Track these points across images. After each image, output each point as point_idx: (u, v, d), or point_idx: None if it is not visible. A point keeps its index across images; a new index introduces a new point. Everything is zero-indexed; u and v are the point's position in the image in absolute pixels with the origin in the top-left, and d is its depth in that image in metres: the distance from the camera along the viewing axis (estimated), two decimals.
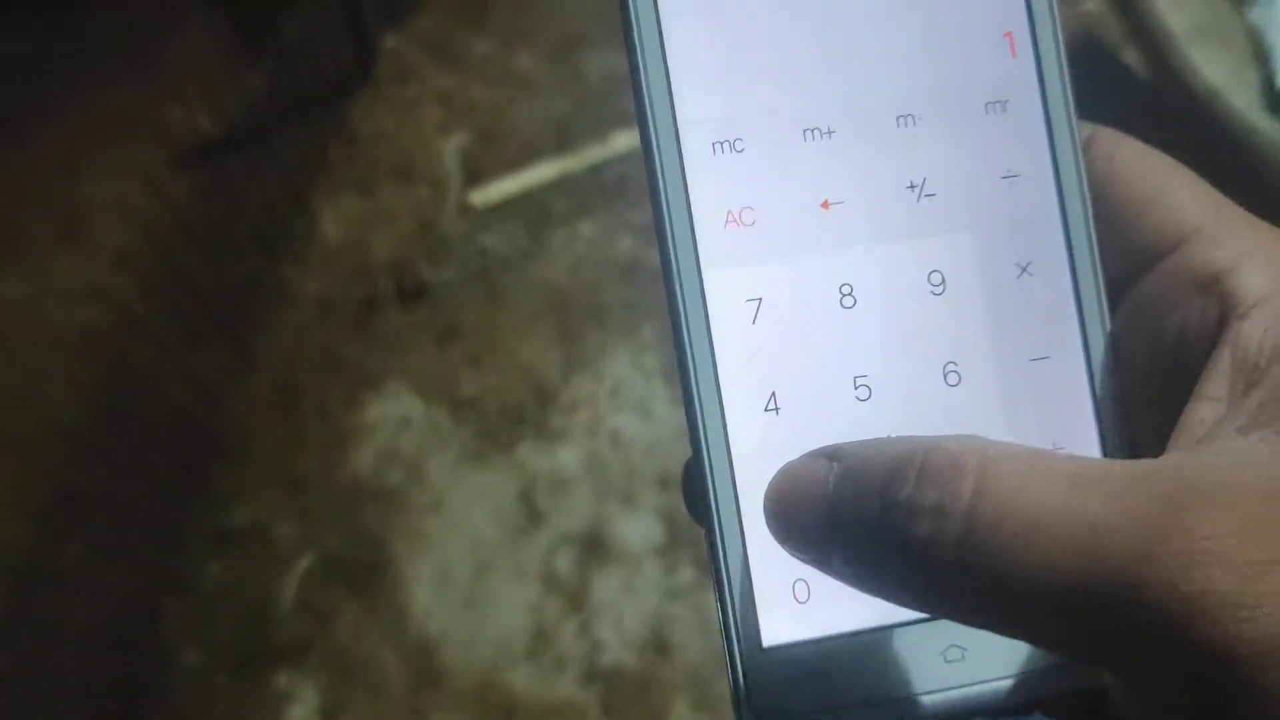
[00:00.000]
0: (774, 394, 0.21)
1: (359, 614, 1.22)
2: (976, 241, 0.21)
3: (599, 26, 1.41)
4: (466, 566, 1.24)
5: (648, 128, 0.21)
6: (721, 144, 0.21)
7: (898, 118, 0.21)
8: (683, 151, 0.21)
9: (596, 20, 1.41)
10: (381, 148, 1.34)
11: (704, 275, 0.21)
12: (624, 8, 0.21)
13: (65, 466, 1.23)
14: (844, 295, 0.21)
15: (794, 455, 0.20)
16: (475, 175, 1.33)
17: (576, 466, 1.26)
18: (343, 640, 1.21)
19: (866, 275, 0.21)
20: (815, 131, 0.21)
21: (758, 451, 0.21)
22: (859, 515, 0.18)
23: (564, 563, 1.23)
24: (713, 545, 0.21)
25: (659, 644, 1.20)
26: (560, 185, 1.33)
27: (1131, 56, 1.41)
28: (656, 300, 1.16)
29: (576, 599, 1.22)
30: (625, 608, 1.22)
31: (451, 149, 1.34)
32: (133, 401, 1.24)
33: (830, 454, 0.19)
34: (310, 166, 1.34)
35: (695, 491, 0.22)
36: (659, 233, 0.21)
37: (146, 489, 1.18)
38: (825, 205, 0.21)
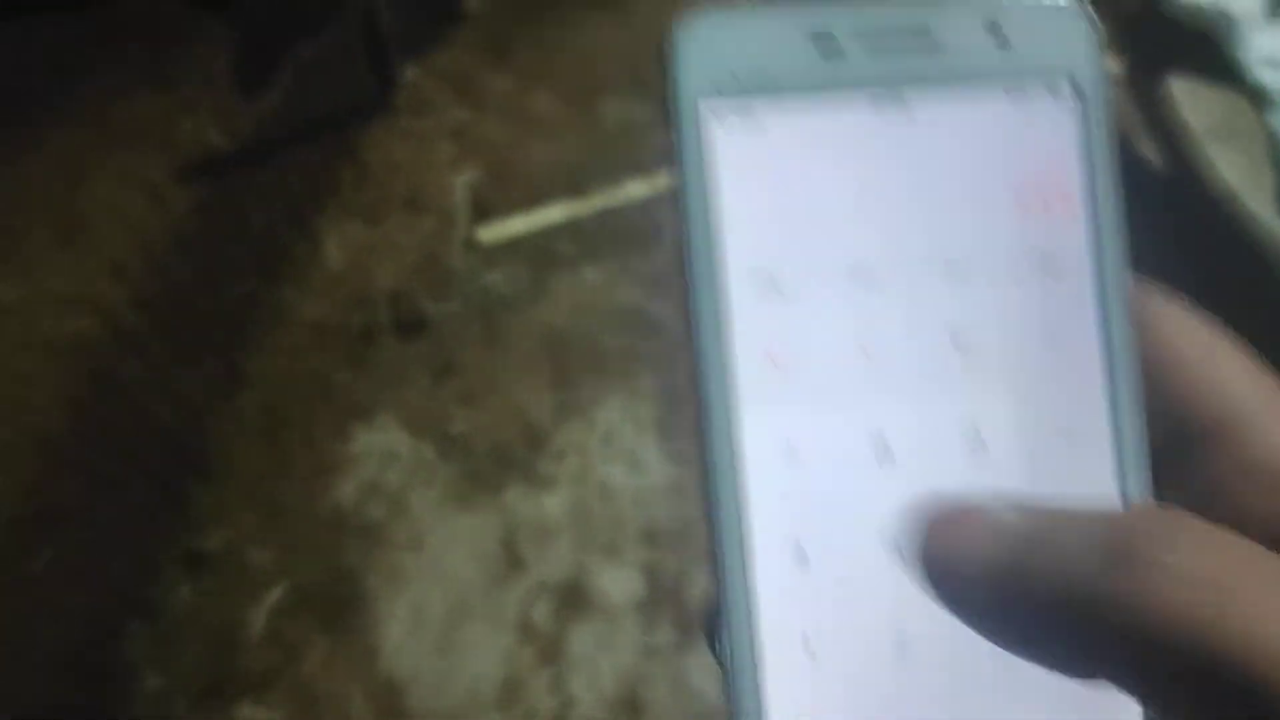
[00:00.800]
0: (802, 543, 0.21)
1: (328, 648, 1.20)
2: (1017, 400, 0.21)
3: (619, 74, 1.41)
4: (442, 608, 1.21)
5: (691, 263, 0.21)
6: (764, 283, 0.21)
7: (944, 267, 0.21)
8: (725, 289, 0.21)
9: (617, 68, 1.41)
10: (392, 177, 1.34)
11: (739, 416, 0.21)
12: (675, 146, 0.21)
13: (41, 476, 1.21)
14: (879, 446, 0.21)
15: (821, 605, 0.19)
16: (484, 212, 1.33)
17: (561, 514, 1.24)
18: (310, 674, 1.18)
19: (903, 426, 0.21)
20: (859, 276, 0.21)
21: (782, 601, 0.21)
22: (1072, 570, 0.17)
23: (541, 612, 1.21)
24: (729, 693, 0.21)
25: (632, 703, 1.18)
26: (567, 229, 1.32)
27: (1147, 147, 1.41)
28: (655, 351, 1.15)
29: (551, 650, 1.20)
30: (601, 663, 1.19)
31: (462, 184, 1.34)
32: (116, 415, 1.22)
33: (1013, 504, 0.18)
34: (318, 190, 1.33)
35: (715, 635, 0.21)
36: (696, 370, 0.21)
37: (122, 505, 1.16)
38: (865, 352, 0.21)
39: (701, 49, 0.21)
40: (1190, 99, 0.97)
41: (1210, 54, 0.96)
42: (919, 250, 0.21)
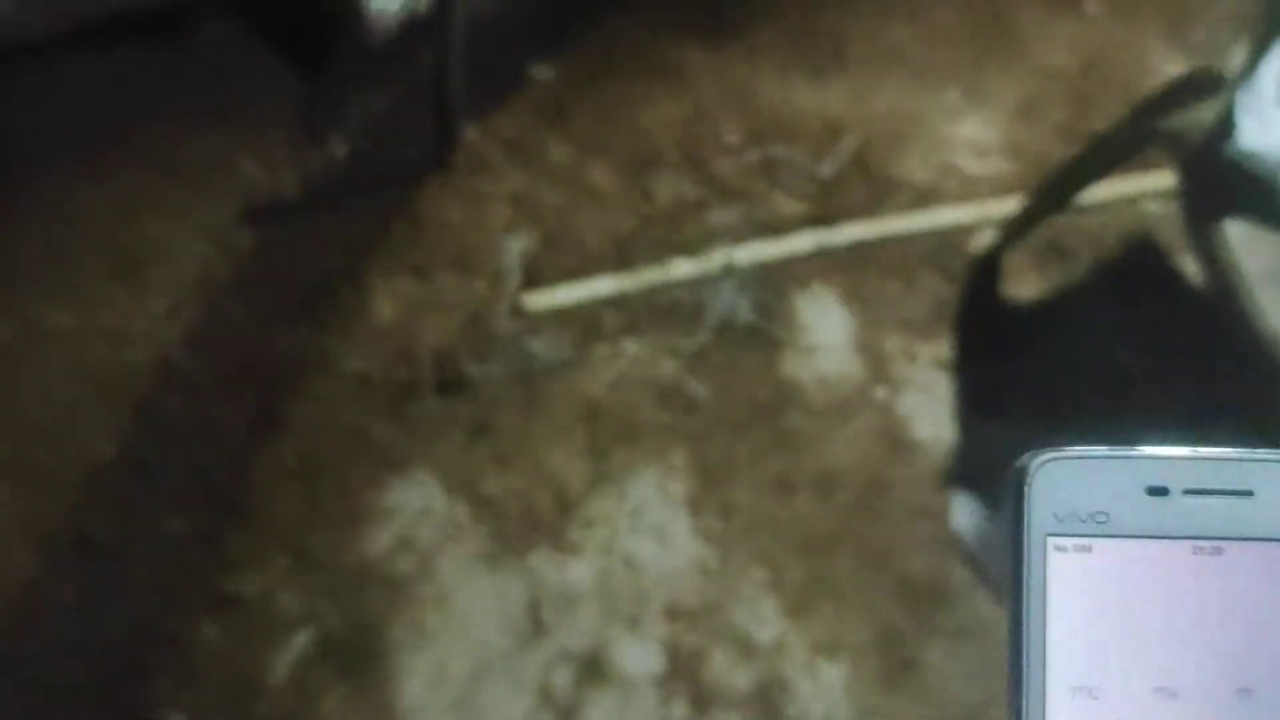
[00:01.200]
0: None
1: (347, 699, 1.21)
2: None
3: (674, 150, 1.43)
4: (463, 667, 1.23)
5: (1020, 674, 0.24)
6: (1080, 695, 0.24)
7: (1239, 690, 0.23)
8: (1046, 698, 0.24)
9: (673, 144, 1.44)
10: (445, 236, 1.36)
11: None
12: (1018, 573, 0.24)
13: (78, 504, 1.22)
14: None
15: None
16: (533, 277, 1.35)
17: (587, 583, 1.26)
18: None
19: None
20: (1164, 692, 0.23)
21: None
22: None
23: (561, 679, 1.22)
24: None
25: None
26: (613, 301, 1.35)
27: (1185, 262, 1.44)
28: (690, 427, 1.17)
29: (568, 718, 1.21)
30: None
31: (513, 248, 1.36)
32: (156, 450, 1.23)
33: None
34: (372, 243, 1.35)
35: None
36: None
37: (155, 540, 1.18)
38: None
39: (1051, 489, 0.24)
40: (1245, 242, 0.99)
41: (1267, 200, 0.98)
42: (1218, 677, 0.24)
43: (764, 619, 1.26)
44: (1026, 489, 0.24)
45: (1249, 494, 0.24)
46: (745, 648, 1.25)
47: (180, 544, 1.19)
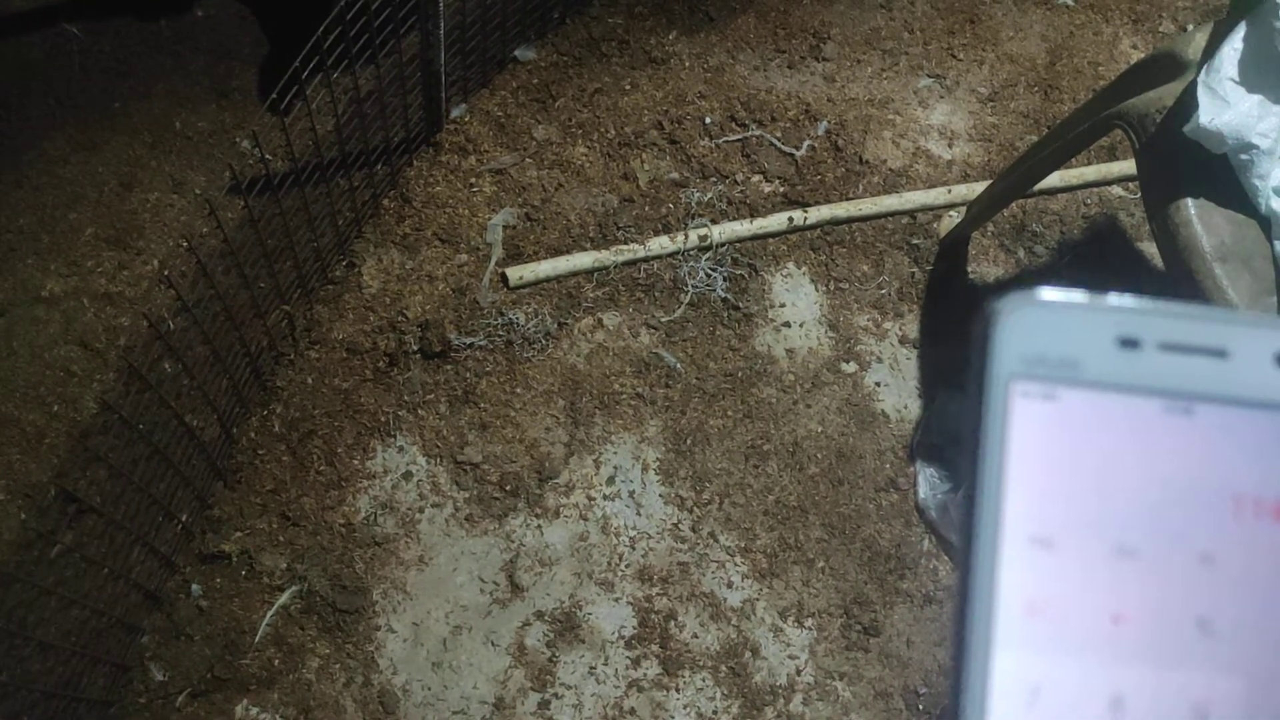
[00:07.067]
0: None
1: (329, 656, 1.24)
2: (1248, 687, 0.22)
3: (654, 133, 1.47)
4: (441, 627, 1.26)
5: (976, 516, 0.23)
6: (1037, 543, 0.23)
7: (1200, 555, 0.23)
8: (1001, 542, 0.23)
9: (653, 127, 1.47)
10: (431, 211, 1.39)
11: (993, 654, 0.23)
12: (982, 418, 0.24)
13: (69, 464, 1.25)
14: (1115, 707, 0.23)
15: None
16: (515, 252, 1.38)
17: (563, 546, 1.29)
18: (308, 680, 1.22)
19: (1139, 694, 0.23)
20: (1123, 550, 0.23)
21: None
22: None
23: (535, 639, 1.26)
24: None
25: None
26: (593, 275, 1.38)
27: (1146, 243, 1.48)
28: (665, 398, 1.19)
29: (541, 677, 1.24)
30: (586, 693, 1.24)
31: (497, 223, 1.39)
32: (147, 413, 1.26)
33: None
34: (361, 216, 1.39)
35: None
36: (961, 608, 0.23)
37: (144, 500, 1.20)
38: (1116, 619, 0.23)
39: (1018, 333, 0.24)
40: (1203, 218, 0.99)
41: (1227, 178, 0.97)
42: (1180, 541, 0.23)
43: (733, 583, 1.29)
44: (994, 331, 0.23)
45: (1223, 354, 0.23)
46: (715, 611, 1.28)
47: (168, 504, 1.22)
